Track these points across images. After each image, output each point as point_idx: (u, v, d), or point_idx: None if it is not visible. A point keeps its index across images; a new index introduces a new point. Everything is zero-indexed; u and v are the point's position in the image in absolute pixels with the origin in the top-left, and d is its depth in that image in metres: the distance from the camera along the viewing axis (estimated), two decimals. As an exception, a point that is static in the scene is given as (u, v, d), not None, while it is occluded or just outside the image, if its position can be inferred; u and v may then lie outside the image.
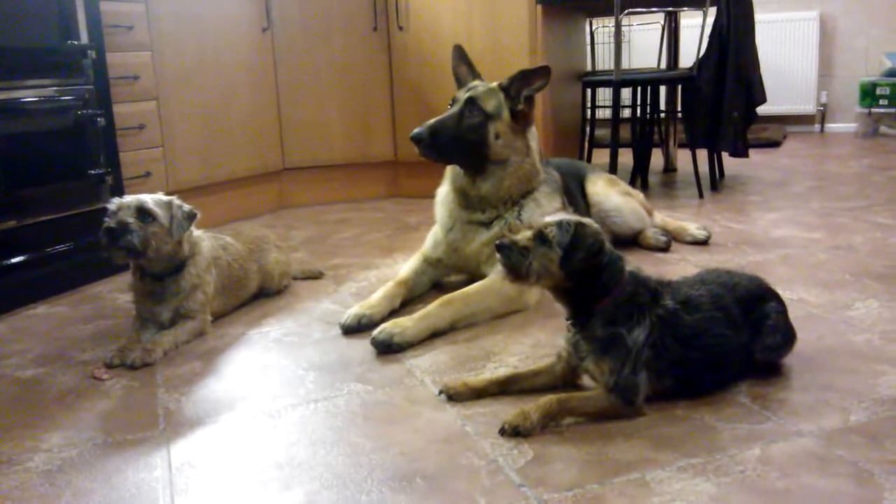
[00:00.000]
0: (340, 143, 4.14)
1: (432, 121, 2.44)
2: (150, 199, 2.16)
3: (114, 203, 2.15)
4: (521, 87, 2.43)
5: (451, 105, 2.49)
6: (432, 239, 2.59)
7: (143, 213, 2.13)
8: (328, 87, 4.08)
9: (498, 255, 1.64)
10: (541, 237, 1.60)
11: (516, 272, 1.62)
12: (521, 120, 2.45)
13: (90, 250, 2.81)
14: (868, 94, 5.88)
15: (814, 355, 1.89)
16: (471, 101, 2.43)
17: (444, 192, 2.61)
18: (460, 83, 2.59)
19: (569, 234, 1.59)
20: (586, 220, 1.66)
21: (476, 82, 2.54)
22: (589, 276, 1.61)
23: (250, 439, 1.64)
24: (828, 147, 5.57)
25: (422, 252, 2.59)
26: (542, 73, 2.43)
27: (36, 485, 1.49)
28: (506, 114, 2.43)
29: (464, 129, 2.42)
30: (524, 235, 1.62)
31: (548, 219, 1.65)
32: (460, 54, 2.60)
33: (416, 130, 2.42)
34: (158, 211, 2.15)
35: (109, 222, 2.11)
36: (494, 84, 2.47)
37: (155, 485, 1.47)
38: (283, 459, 1.54)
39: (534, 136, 2.53)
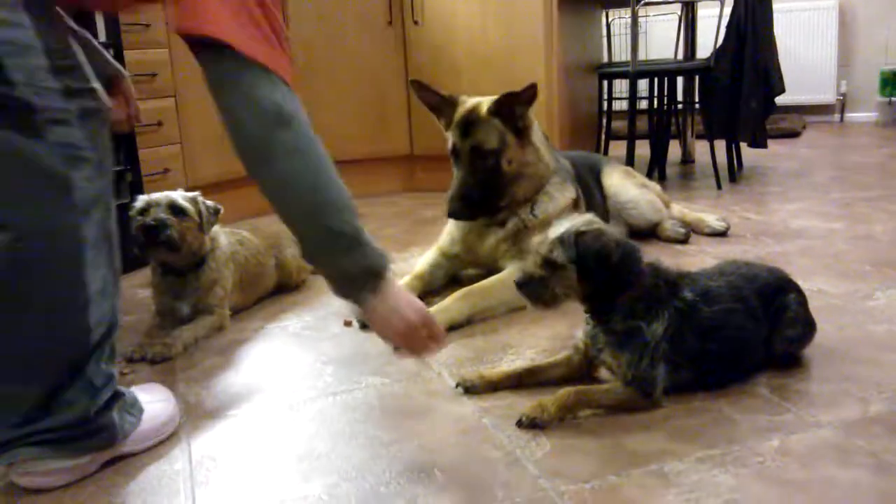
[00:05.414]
0: (356, 137, 4.14)
1: (453, 190, 2.38)
2: (179, 195, 2.17)
3: (141, 200, 2.15)
4: (512, 106, 2.33)
5: (454, 156, 2.42)
6: (448, 233, 2.59)
7: (175, 209, 2.14)
8: (343, 82, 4.08)
9: (520, 293, 1.64)
10: (550, 263, 1.60)
11: (544, 303, 1.63)
12: (524, 133, 2.39)
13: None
14: (888, 83, 5.82)
15: (834, 346, 1.88)
16: (475, 150, 2.36)
17: None
18: (437, 110, 2.49)
19: (573, 246, 1.57)
20: (583, 222, 1.62)
21: (463, 108, 2.40)
22: (607, 276, 1.60)
23: (270, 432, 1.65)
24: (847, 137, 5.52)
25: (438, 246, 2.58)
26: (529, 89, 2.31)
27: (60, 477, 1.51)
28: (509, 138, 2.36)
29: (483, 178, 2.36)
30: (534, 262, 1.62)
31: (549, 236, 1.63)
32: (419, 86, 2.48)
33: (451, 208, 2.37)
34: (189, 206, 2.17)
35: (145, 219, 2.11)
36: (484, 111, 2.36)
37: (175, 477, 1.49)
38: (303, 452, 1.55)
39: (536, 132, 2.46)
